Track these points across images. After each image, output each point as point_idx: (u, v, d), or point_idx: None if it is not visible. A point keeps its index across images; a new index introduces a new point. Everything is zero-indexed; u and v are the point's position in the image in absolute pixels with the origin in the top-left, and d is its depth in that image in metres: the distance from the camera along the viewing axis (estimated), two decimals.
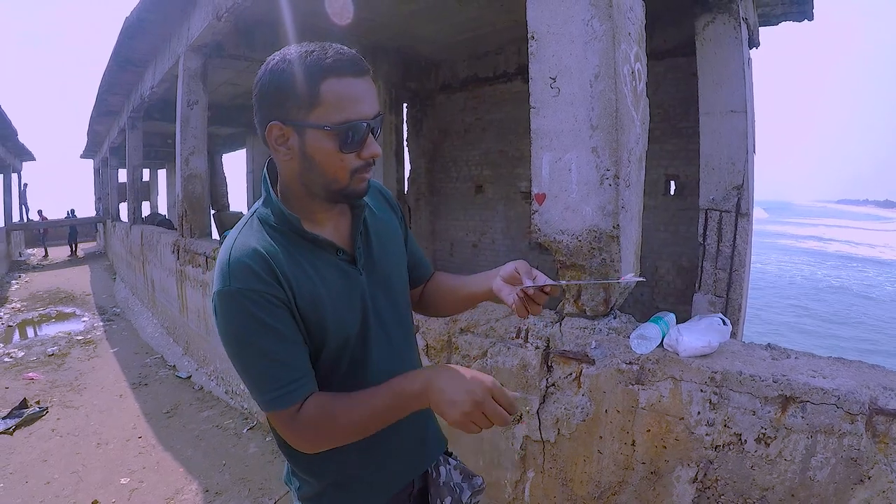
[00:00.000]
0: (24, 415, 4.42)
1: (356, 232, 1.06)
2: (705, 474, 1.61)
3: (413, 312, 1.25)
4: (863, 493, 1.35)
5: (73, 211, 20.23)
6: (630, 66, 1.87)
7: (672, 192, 5.72)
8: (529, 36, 1.93)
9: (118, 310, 9.23)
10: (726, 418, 1.55)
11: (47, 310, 9.51)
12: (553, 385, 1.96)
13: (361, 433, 0.95)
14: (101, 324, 8.16)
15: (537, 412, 2.00)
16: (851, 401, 1.37)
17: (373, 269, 1.08)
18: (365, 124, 0.92)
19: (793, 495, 1.45)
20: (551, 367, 1.97)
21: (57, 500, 3.20)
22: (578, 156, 1.86)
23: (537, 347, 2.00)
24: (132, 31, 6.29)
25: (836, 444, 1.38)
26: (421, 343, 2.39)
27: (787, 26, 4.73)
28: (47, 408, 4.66)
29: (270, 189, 1.01)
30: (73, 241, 18.68)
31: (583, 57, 1.81)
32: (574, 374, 1.90)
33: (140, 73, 8.26)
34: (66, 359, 6.27)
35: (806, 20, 4.59)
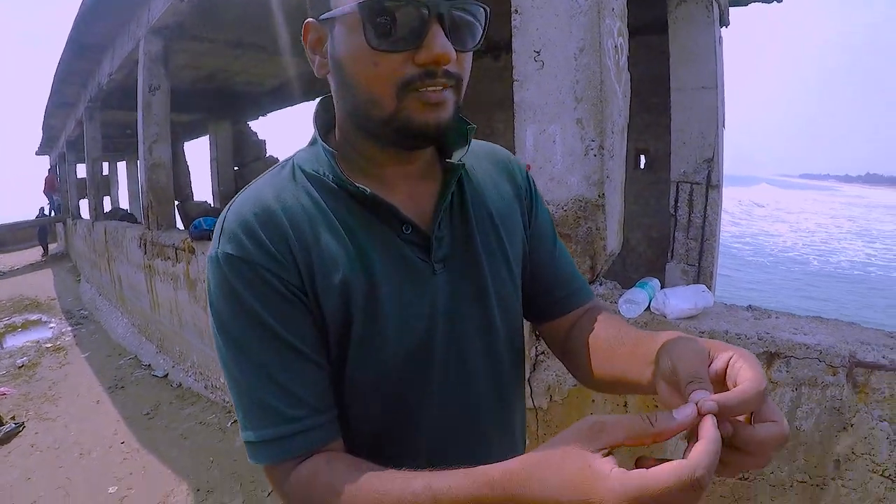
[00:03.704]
0: (1, 433, 4.24)
1: (441, 204, 0.70)
2: None
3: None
4: (847, 439, 1.42)
5: (43, 209, 19.20)
6: (613, 41, 1.90)
7: (642, 166, 5.81)
8: (513, 10, 1.93)
9: (86, 312, 8.93)
10: None
11: (12, 319, 9.04)
12: (543, 353, 2.00)
13: None
14: (70, 329, 7.88)
15: (528, 380, 2.03)
16: (833, 355, 1.44)
17: (460, 269, 0.72)
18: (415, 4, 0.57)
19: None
20: (539, 335, 2.00)
21: None
22: (563, 127, 1.89)
23: None
24: (89, 16, 6.03)
25: (819, 395, 1.45)
26: None
27: (756, 7, 4.84)
28: (24, 423, 4.48)
29: (317, 128, 0.73)
30: (44, 241, 17.91)
31: (567, 31, 1.82)
32: None
33: (97, 60, 7.93)
34: (36, 369, 6.02)
35: (775, 1, 4.68)
